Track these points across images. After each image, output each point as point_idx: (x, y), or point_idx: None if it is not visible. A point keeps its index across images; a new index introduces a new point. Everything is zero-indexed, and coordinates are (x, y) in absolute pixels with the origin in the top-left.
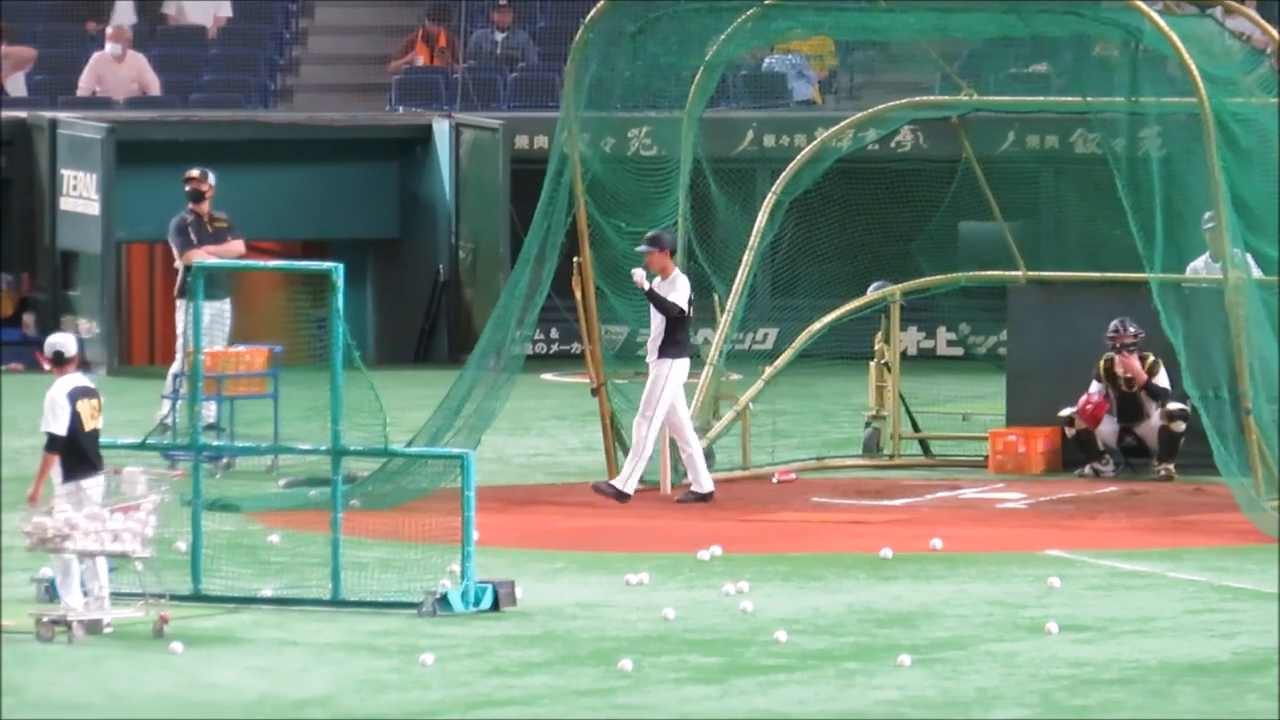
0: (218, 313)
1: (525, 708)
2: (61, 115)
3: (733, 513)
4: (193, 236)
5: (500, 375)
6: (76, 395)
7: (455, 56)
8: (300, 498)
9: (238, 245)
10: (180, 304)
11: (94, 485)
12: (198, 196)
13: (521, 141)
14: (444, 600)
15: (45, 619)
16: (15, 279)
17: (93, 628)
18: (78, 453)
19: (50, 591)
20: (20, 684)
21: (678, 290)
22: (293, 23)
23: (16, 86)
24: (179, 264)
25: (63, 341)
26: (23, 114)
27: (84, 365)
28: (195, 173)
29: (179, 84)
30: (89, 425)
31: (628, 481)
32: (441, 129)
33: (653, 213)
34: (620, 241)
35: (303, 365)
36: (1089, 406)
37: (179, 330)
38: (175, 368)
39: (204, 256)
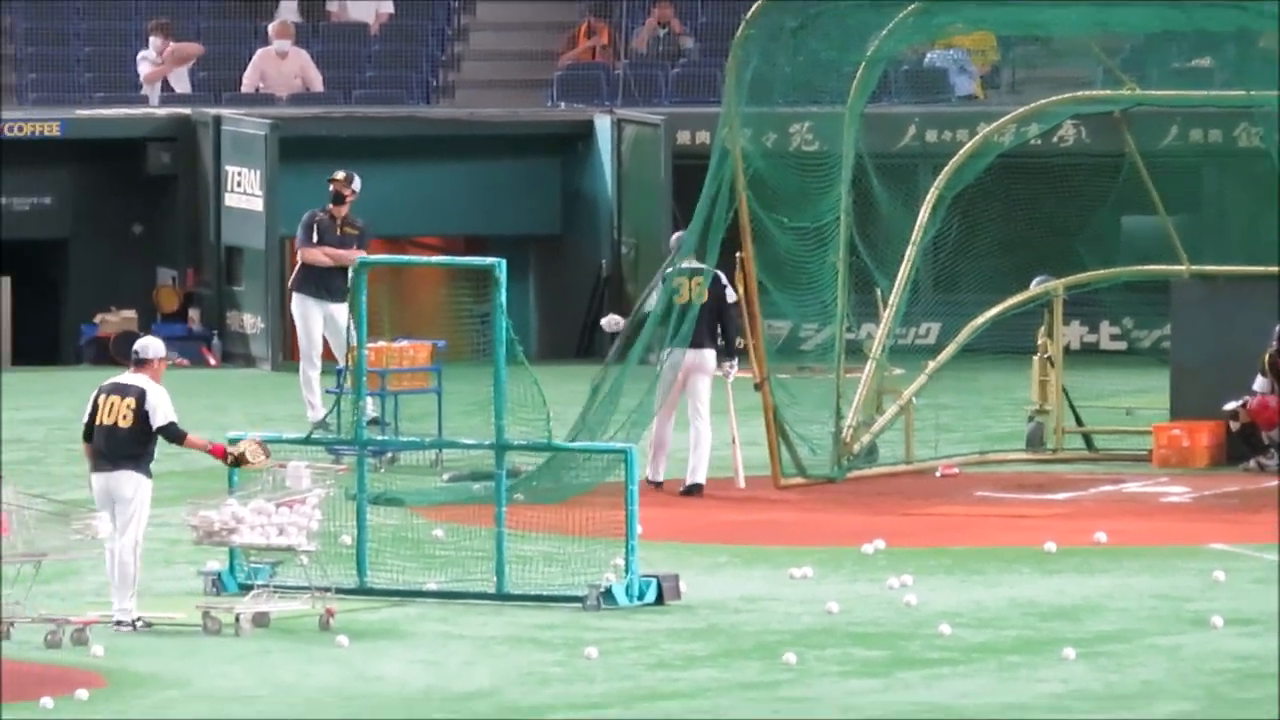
0: (332, 315)
1: (690, 701)
2: (226, 112)
3: (896, 506)
4: (314, 236)
5: (662, 371)
6: (102, 391)
7: (616, 52)
8: (464, 492)
9: (358, 256)
10: (295, 299)
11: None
12: (338, 199)
13: (683, 137)
14: (608, 594)
15: (210, 611)
16: (180, 274)
17: (260, 620)
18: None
19: (218, 585)
20: (187, 676)
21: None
22: (454, 19)
23: (181, 83)
24: (299, 258)
25: (140, 344)
26: (187, 110)
27: (142, 365)
28: (340, 175)
29: (341, 80)
30: (102, 419)
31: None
32: (603, 125)
33: (814, 208)
34: (782, 237)
35: (465, 360)
36: (1267, 409)
37: (299, 327)
38: (304, 366)
39: (319, 257)
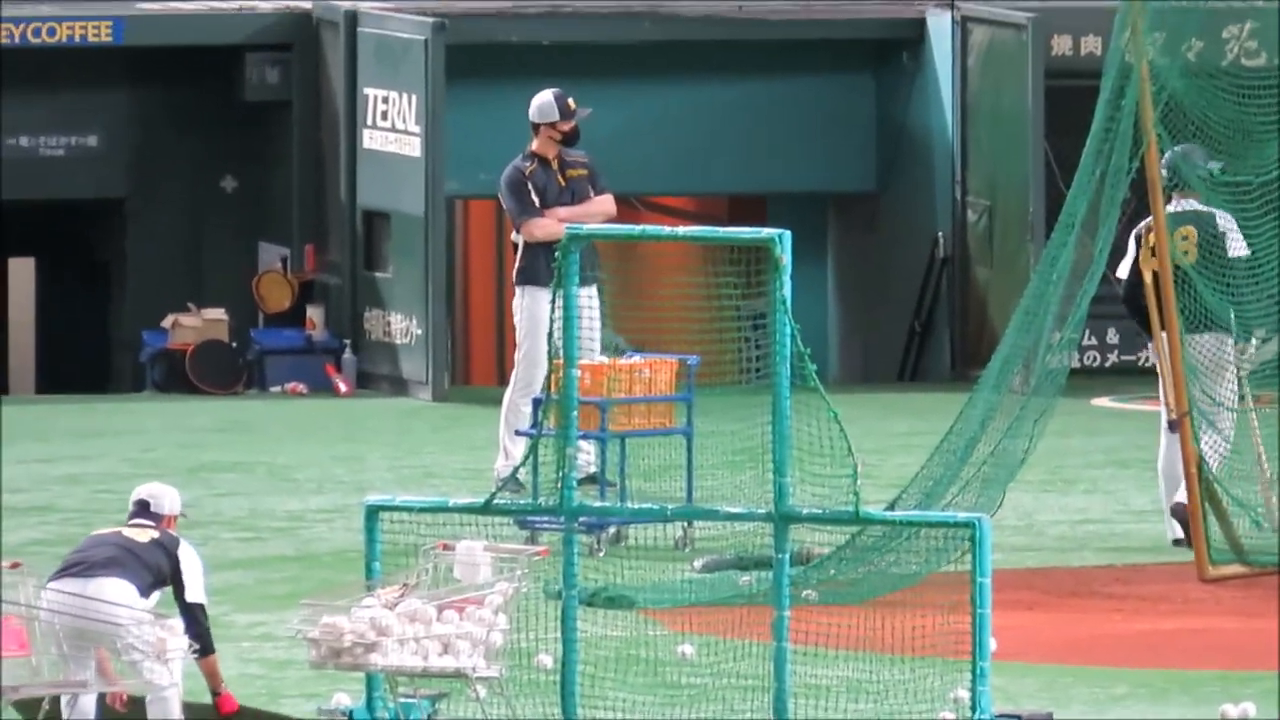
0: (585, 305)
1: None
2: (364, 6)
3: None
4: (533, 195)
5: (1030, 401)
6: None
7: None
8: (726, 587)
9: (605, 202)
10: (522, 293)
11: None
12: (570, 138)
13: (1061, 44)
14: None
15: None
16: (295, 254)
17: None
18: None
19: None
20: None
21: None
22: None
23: None
24: (517, 238)
25: (150, 491)
26: (307, 4)
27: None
28: (565, 101)
29: None
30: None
31: None
32: (939, 26)
33: (1260, 152)
34: (1213, 196)
35: (727, 386)
36: None
37: (520, 332)
38: (512, 390)
39: (554, 227)
